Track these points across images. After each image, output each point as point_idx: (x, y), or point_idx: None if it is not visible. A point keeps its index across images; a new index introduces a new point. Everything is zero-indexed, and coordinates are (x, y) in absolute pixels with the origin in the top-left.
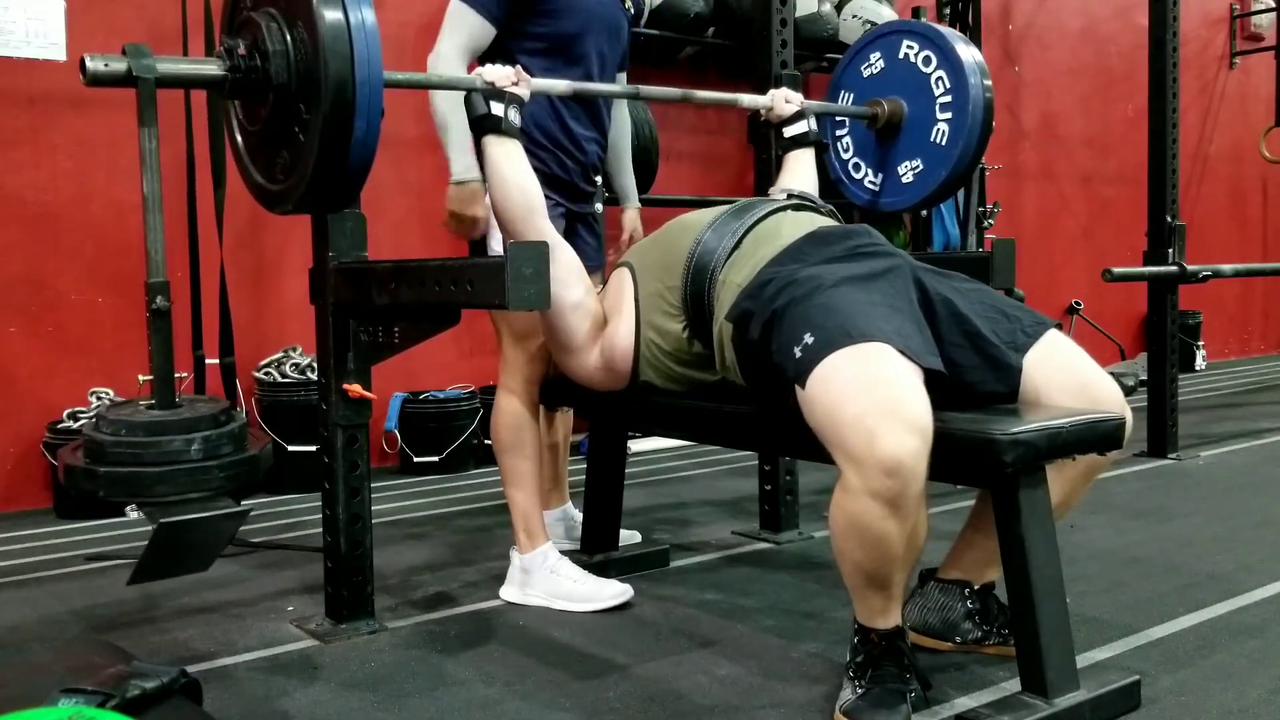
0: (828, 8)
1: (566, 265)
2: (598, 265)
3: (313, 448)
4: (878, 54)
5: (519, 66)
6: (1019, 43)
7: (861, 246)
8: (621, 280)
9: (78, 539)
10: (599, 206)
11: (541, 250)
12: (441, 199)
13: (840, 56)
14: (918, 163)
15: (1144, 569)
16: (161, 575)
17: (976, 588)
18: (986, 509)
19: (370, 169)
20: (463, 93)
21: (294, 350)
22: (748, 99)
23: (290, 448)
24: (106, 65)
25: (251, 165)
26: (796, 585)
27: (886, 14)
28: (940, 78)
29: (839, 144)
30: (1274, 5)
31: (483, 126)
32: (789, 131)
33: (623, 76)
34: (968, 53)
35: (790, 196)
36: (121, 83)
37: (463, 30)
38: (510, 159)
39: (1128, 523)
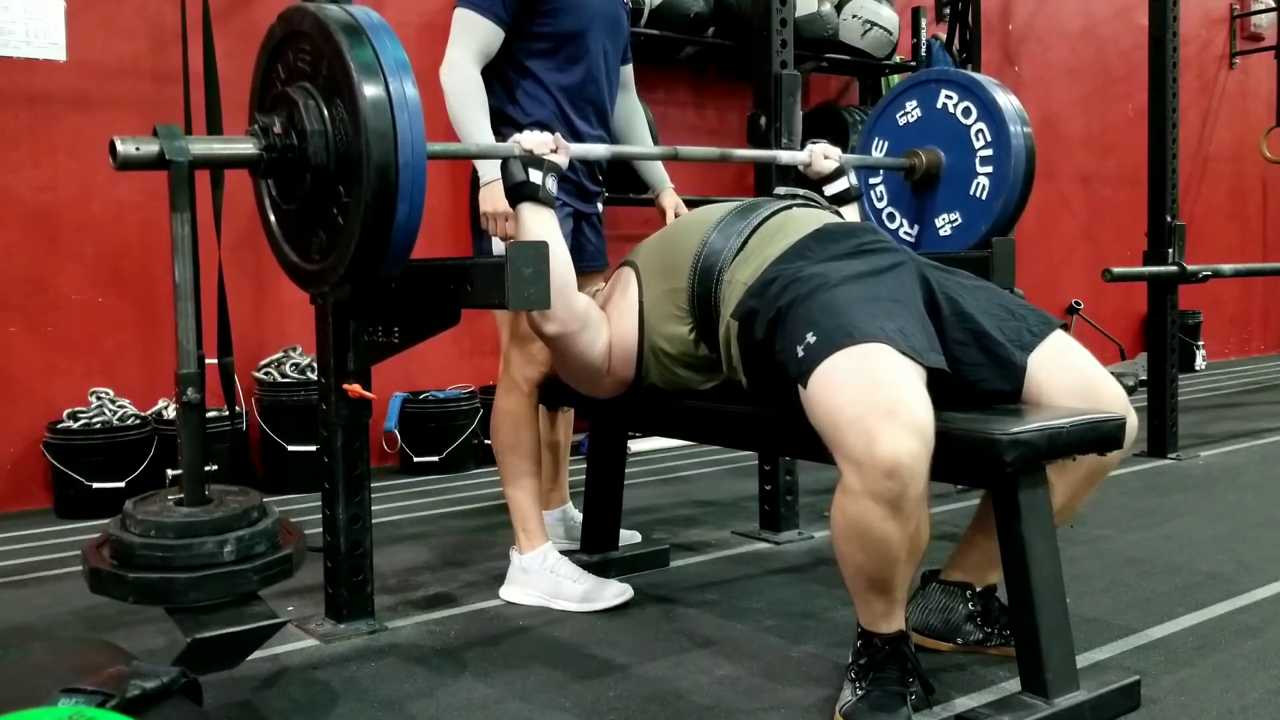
0: (828, 8)
1: (599, 334)
2: (600, 265)
3: (313, 448)
4: (914, 102)
5: (557, 134)
6: (1019, 43)
7: (867, 244)
8: (626, 281)
9: (78, 539)
10: (600, 206)
11: (541, 250)
12: (442, 199)
13: (841, 56)
14: (956, 216)
15: (1144, 569)
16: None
17: (979, 590)
18: (990, 511)
19: (412, 249)
20: (479, 86)
21: (294, 350)
22: (786, 156)
23: (290, 448)
24: (138, 149)
25: (285, 243)
26: (796, 585)
27: (886, 14)
28: (981, 130)
29: (872, 192)
30: (1274, 5)
31: (520, 194)
32: (830, 190)
33: (627, 69)
34: (1008, 102)
35: (795, 195)
36: (153, 166)
37: (471, 36)
38: (548, 229)
39: (1128, 523)
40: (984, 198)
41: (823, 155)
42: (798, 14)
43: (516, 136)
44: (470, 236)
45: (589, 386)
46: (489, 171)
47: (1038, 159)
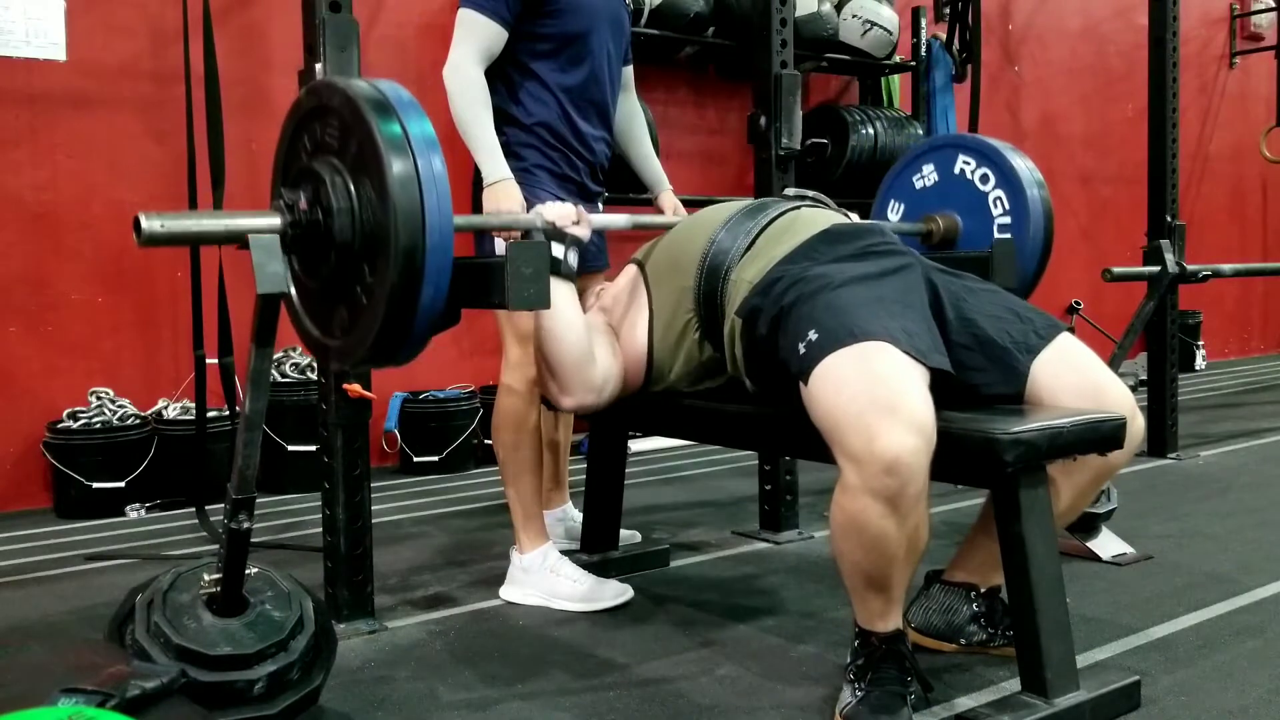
0: (828, 8)
1: (615, 373)
2: (601, 265)
3: (313, 448)
4: (930, 166)
5: (581, 207)
6: (1019, 43)
7: (873, 245)
8: (634, 282)
9: (77, 539)
10: (600, 206)
11: (542, 250)
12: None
13: (841, 56)
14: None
15: (1144, 569)
16: None
17: (983, 591)
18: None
19: (435, 332)
20: (483, 87)
21: (294, 350)
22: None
23: (290, 448)
24: (163, 225)
25: (306, 317)
26: (796, 585)
27: (886, 14)
28: (999, 198)
29: None
30: (1274, 5)
31: None
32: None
33: (627, 70)
34: (1025, 167)
35: (805, 196)
36: (178, 242)
37: (475, 37)
38: (571, 304)
39: (1128, 523)
40: None
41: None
42: (798, 14)
43: (539, 208)
44: (472, 236)
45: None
46: (492, 172)
47: (1038, 159)
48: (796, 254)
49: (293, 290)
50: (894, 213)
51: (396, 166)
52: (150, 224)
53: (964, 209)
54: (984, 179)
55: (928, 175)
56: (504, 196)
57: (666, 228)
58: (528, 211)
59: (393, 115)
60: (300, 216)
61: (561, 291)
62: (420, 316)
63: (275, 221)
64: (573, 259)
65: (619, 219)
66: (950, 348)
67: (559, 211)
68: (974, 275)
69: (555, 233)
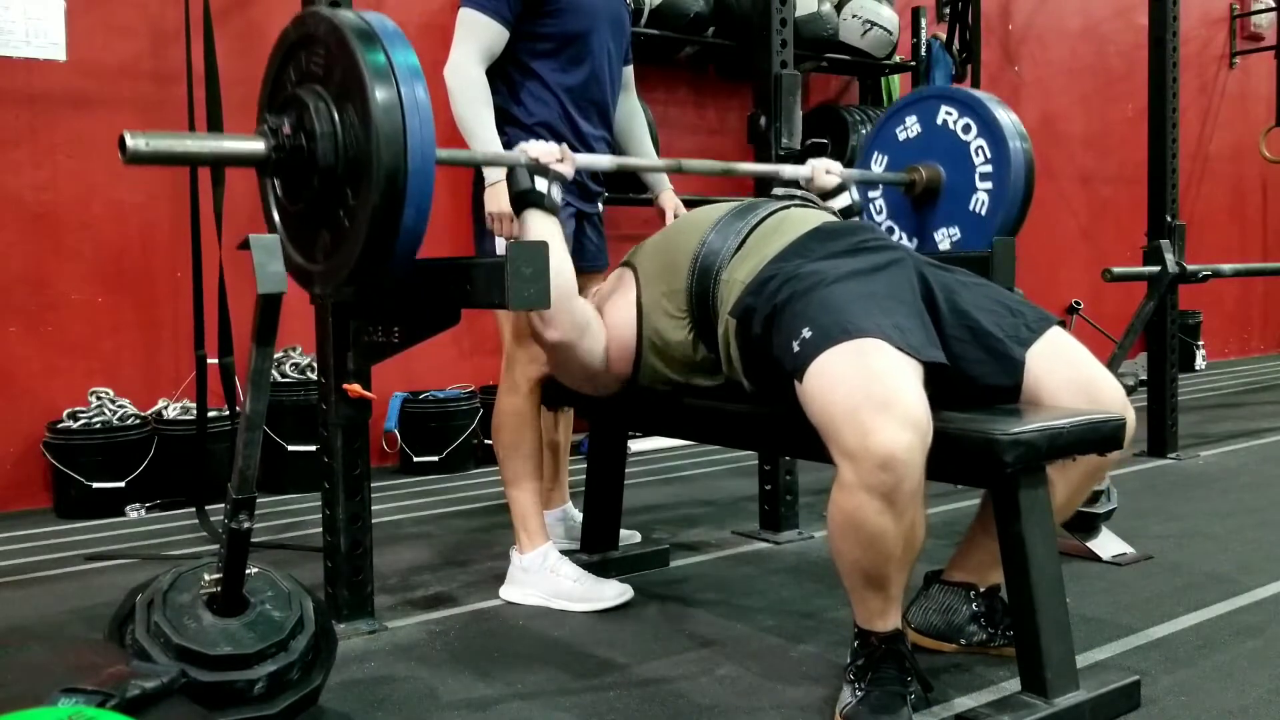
0: (828, 7)
1: (599, 339)
2: (601, 265)
3: (313, 448)
4: (914, 118)
5: (564, 145)
6: (1019, 43)
7: (864, 241)
8: (624, 282)
9: (77, 539)
10: (600, 206)
11: (541, 250)
12: (442, 199)
13: (841, 56)
14: (955, 231)
15: (1144, 569)
16: None
17: (982, 590)
18: (991, 511)
19: (417, 253)
20: (484, 86)
21: (294, 350)
22: (789, 170)
23: (290, 448)
24: (148, 144)
25: (289, 243)
26: (796, 585)
27: (886, 14)
28: (981, 146)
29: (872, 205)
30: (1274, 5)
31: (525, 200)
32: (832, 205)
33: (627, 70)
34: (1007, 118)
35: (794, 195)
36: (162, 161)
37: (476, 36)
38: (555, 237)
39: (1128, 523)
40: (983, 213)
41: (824, 170)
42: (798, 14)
43: (523, 145)
44: (472, 236)
45: (589, 389)
46: (494, 172)
47: (1038, 159)
48: (788, 252)
49: (275, 216)
50: (878, 164)
51: (380, 93)
52: (135, 142)
53: (946, 159)
54: (966, 129)
55: (911, 127)
56: (505, 196)
57: (651, 169)
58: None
59: (377, 44)
60: (284, 141)
61: (545, 224)
62: (402, 238)
63: (259, 145)
64: (556, 193)
65: (603, 160)
66: (945, 340)
67: (543, 149)
68: (964, 270)
69: (539, 168)
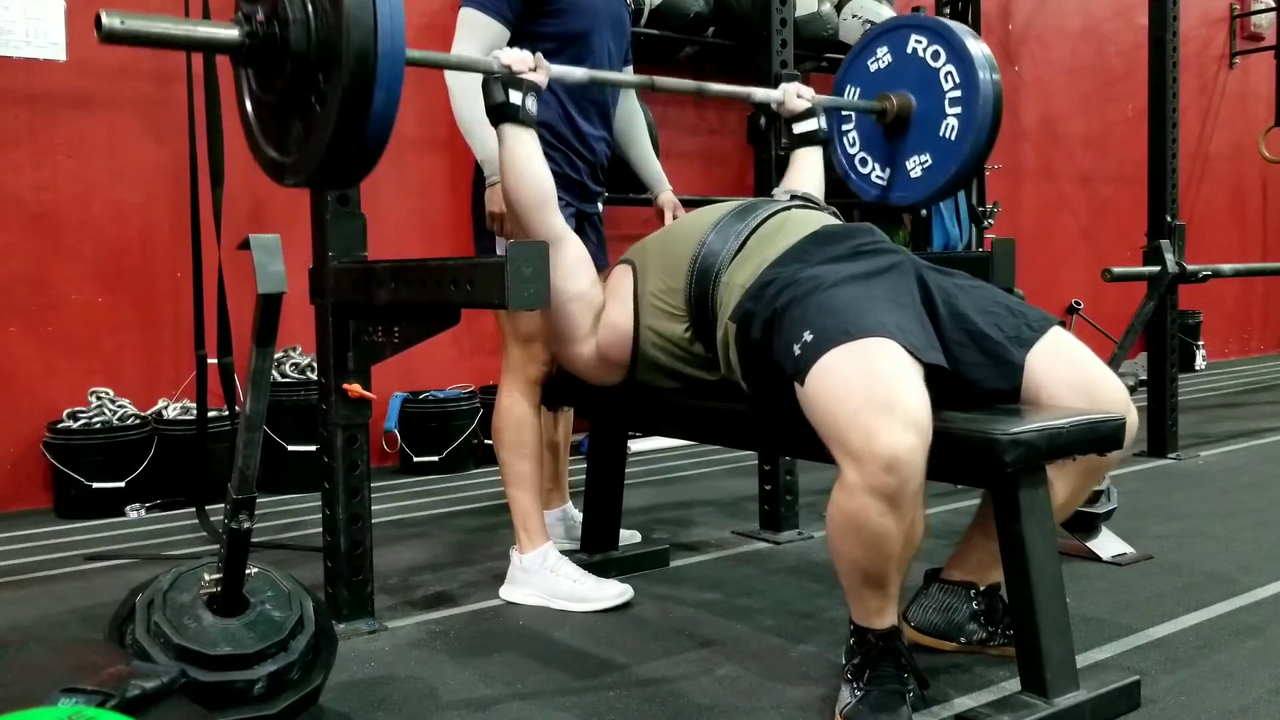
0: (828, 7)
1: (576, 256)
2: (601, 265)
3: (313, 448)
4: (885, 49)
5: (538, 53)
6: (1019, 43)
7: (864, 245)
8: (622, 276)
9: (77, 539)
10: (600, 206)
11: (541, 250)
12: (441, 198)
13: (840, 56)
14: (926, 157)
15: (1144, 569)
16: None
17: (982, 589)
18: (990, 510)
19: (387, 143)
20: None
21: (294, 350)
22: (760, 92)
23: (290, 448)
24: (123, 23)
25: (261, 136)
26: (796, 585)
27: (886, 14)
28: (949, 72)
29: (845, 139)
30: (1274, 5)
31: (501, 114)
32: (799, 128)
33: (628, 69)
34: (977, 47)
35: (794, 197)
36: (137, 41)
37: (476, 36)
38: (526, 148)
39: (1128, 523)
40: (953, 139)
41: (795, 94)
42: (798, 14)
43: (496, 53)
44: (472, 236)
45: (592, 374)
46: (492, 171)
47: (1038, 159)
48: (787, 256)
49: (249, 107)
50: (851, 95)
51: None
52: (110, 20)
53: (917, 87)
54: (935, 56)
55: (882, 58)
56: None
57: (624, 84)
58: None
59: None
60: (257, 28)
61: (522, 137)
62: (373, 123)
63: (234, 32)
64: (530, 105)
65: (577, 72)
66: (944, 344)
67: (515, 56)
68: (964, 273)
69: (512, 79)
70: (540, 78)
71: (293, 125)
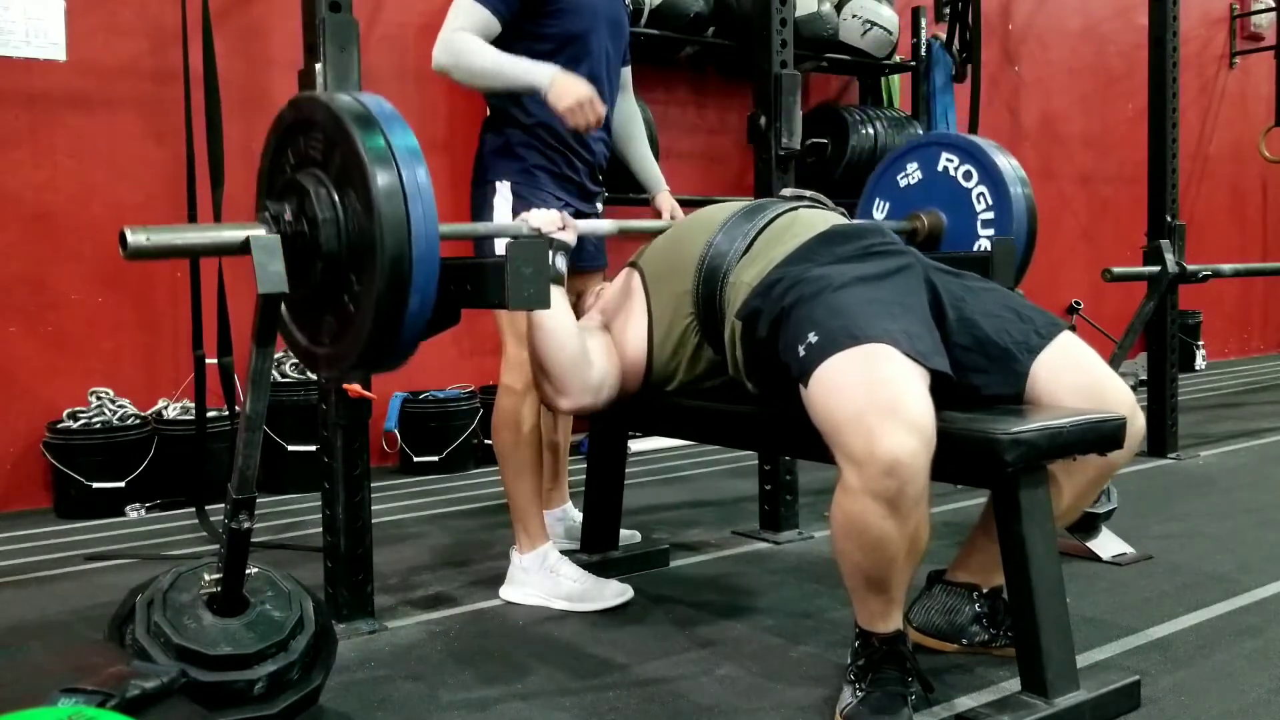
0: (828, 7)
1: (610, 368)
2: (600, 264)
3: (313, 448)
4: (914, 164)
5: (565, 212)
6: (1019, 43)
7: (874, 245)
8: (632, 286)
9: (77, 539)
10: (600, 206)
11: (541, 250)
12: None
13: (840, 56)
14: None
15: (1144, 569)
16: None
17: (985, 591)
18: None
19: (422, 339)
20: (477, 39)
21: None
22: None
23: (290, 448)
24: (149, 239)
25: (294, 326)
26: (796, 585)
27: (886, 14)
28: (982, 194)
29: None
30: (1274, 5)
31: None
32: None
33: (626, 71)
34: (1008, 164)
35: (802, 196)
36: (165, 255)
37: (467, 18)
38: (559, 308)
39: (1128, 523)
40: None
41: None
42: (798, 14)
43: (524, 216)
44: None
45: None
46: (540, 80)
47: (1038, 159)
48: (796, 255)
49: (281, 303)
50: (879, 211)
51: (381, 178)
52: (136, 238)
53: (948, 206)
54: (967, 176)
55: (912, 173)
56: (567, 89)
57: (654, 233)
58: (519, 221)
59: (376, 128)
60: (286, 228)
61: (555, 299)
62: (408, 325)
63: (260, 232)
64: (560, 264)
65: (605, 224)
66: (950, 349)
67: (544, 218)
68: (974, 274)
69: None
70: (569, 236)
71: (325, 319)
